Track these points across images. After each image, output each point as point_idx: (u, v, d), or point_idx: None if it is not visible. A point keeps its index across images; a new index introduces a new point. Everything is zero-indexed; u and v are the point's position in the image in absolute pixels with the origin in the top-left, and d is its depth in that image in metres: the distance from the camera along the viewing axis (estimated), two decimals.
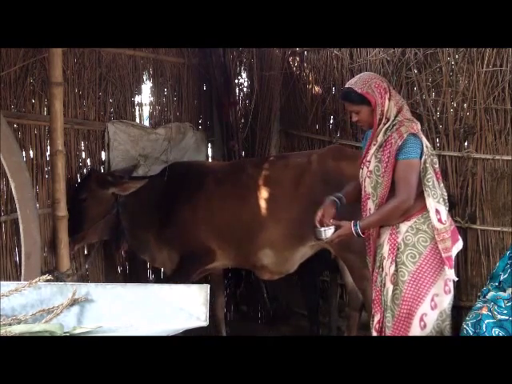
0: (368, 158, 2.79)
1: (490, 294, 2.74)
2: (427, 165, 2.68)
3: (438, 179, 2.75)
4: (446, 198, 2.78)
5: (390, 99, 2.71)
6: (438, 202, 2.69)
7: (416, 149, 2.65)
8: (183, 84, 4.62)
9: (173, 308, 1.42)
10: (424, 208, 2.70)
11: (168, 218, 3.69)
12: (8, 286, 1.46)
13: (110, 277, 4.11)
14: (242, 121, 4.76)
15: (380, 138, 2.73)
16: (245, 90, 4.86)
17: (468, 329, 2.55)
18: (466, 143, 3.73)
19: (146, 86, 4.46)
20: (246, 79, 4.84)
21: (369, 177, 2.78)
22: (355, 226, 2.69)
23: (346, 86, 2.78)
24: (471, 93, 3.60)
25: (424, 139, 2.71)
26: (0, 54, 3.33)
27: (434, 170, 2.73)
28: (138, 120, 4.39)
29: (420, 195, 2.68)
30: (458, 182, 3.70)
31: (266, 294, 4.64)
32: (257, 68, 4.62)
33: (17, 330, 1.31)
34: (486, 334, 2.47)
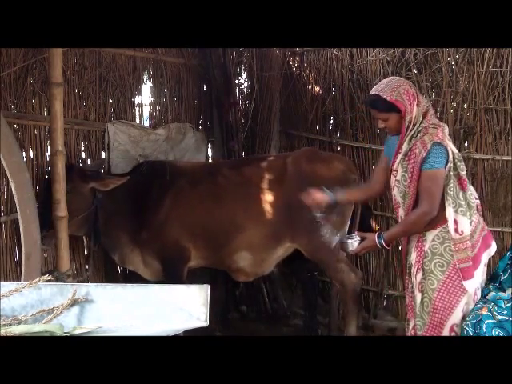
0: (395, 167, 2.74)
1: (490, 295, 2.74)
2: (451, 173, 2.61)
3: (463, 187, 2.65)
4: (474, 206, 2.69)
5: (417, 105, 2.63)
6: (457, 211, 2.62)
7: (440, 158, 2.58)
8: (183, 84, 4.62)
9: (173, 308, 1.42)
10: None
11: (143, 220, 3.65)
12: (8, 286, 1.46)
13: (110, 277, 4.11)
14: (242, 121, 4.76)
15: (405, 147, 2.66)
16: (245, 90, 4.86)
17: (468, 329, 2.55)
18: (466, 143, 3.73)
19: (146, 87, 4.47)
20: (246, 79, 4.84)
21: (397, 186, 2.75)
22: (379, 237, 2.68)
23: (373, 92, 2.68)
24: (471, 93, 3.60)
25: (450, 145, 2.62)
26: (0, 54, 3.33)
27: (460, 177, 2.65)
28: (138, 120, 4.40)
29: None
30: None
31: (266, 294, 4.64)
32: (257, 68, 4.63)
33: (17, 330, 1.31)
34: (486, 335, 2.47)
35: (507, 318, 2.52)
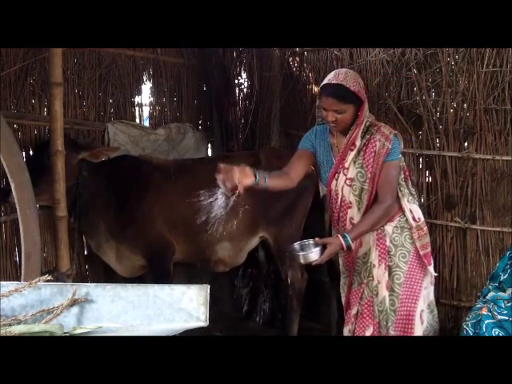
0: (346, 165, 2.65)
1: (490, 295, 2.74)
2: (401, 164, 2.66)
3: (405, 178, 2.72)
4: (415, 193, 2.76)
5: (365, 100, 2.61)
6: (409, 201, 2.68)
7: (398, 149, 2.62)
8: (183, 84, 4.62)
9: (173, 308, 1.42)
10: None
11: (123, 215, 3.65)
12: (8, 286, 1.45)
13: (110, 277, 4.11)
14: (242, 121, 4.76)
15: (358, 143, 2.62)
16: (245, 90, 4.86)
17: (468, 329, 2.56)
18: (465, 143, 3.73)
19: (146, 87, 4.47)
20: (246, 80, 4.84)
21: (349, 185, 2.65)
22: (345, 238, 2.52)
23: (334, 81, 2.56)
24: (471, 93, 3.60)
25: (401, 138, 2.68)
26: (0, 54, 3.33)
27: (403, 168, 2.72)
28: (137, 120, 4.40)
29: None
30: (457, 183, 3.70)
31: (266, 295, 4.64)
32: (257, 68, 4.63)
33: (17, 330, 1.31)
34: (486, 335, 2.47)
35: (507, 318, 2.52)
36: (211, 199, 2.61)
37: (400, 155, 2.66)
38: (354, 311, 2.78)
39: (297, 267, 3.76)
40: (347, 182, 2.66)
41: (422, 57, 3.72)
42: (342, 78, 2.55)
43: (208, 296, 1.41)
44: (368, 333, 2.70)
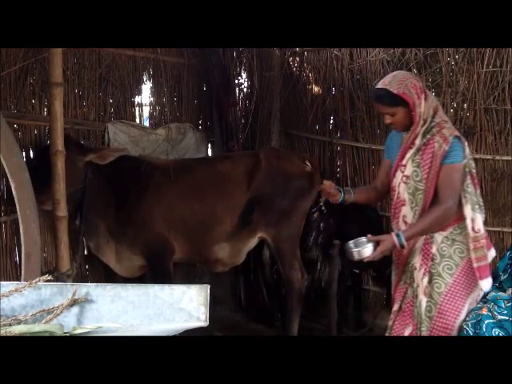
0: (404, 163, 2.66)
1: (491, 295, 2.74)
2: (466, 170, 2.58)
3: (474, 185, 2.64)
4: (482, 205, 2.68)
5: (426, 100, 2.58)
6: (473, 209, 2.60)
7: (461, 152, 2.56)
8: (183, 84, 4.62)
9: (173, 308, 1.42)
10: (461, 218, 2.61)
11: (123, 215, 3.65)
12: (8, 286, 1.45)
13: (110, 277, 4.11)
14: (242, 121, 4.76)
15: (418, 142, 2.60)
16: (245, 90, 4.86)
17: (468, 329, 2.55)
18: None
19: (146, 87, 4.47)
20: (246, 79, 4.84)
21: (405, 182, 2.66)
22: (398, 237, 2.52)
23: (380, 86, 2.61)
24: (471, 93, 3.60)
25: (465, 142, 2.62)
26: (0, 54, 3.33)
27: (472, 174, 2.63)
28: (137, 120, 4.40)
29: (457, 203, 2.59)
30: None
31: (266, 294, 4.64)
32: (257, 68, 4.62)
33: (17, 330, 1.31)
34: (486, 335, 2.47)
35: (507, 318, 2.52)
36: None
37: (465, 160, 2.58)
38: (395, 308, 2.78)
39: (297, 267, 3.76)
40: (403, 179, 2.67)
41: (422, 57, 3.72)
42: (387, 81, 2.59)
43: (208, 296, 1.41)
44: (407, 332, 2.69)
